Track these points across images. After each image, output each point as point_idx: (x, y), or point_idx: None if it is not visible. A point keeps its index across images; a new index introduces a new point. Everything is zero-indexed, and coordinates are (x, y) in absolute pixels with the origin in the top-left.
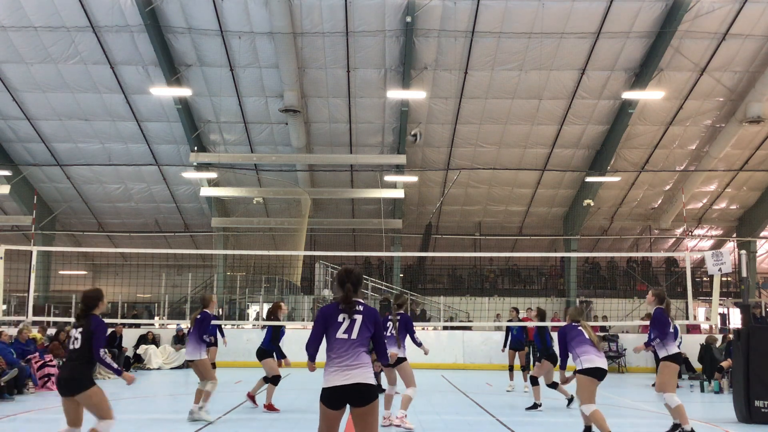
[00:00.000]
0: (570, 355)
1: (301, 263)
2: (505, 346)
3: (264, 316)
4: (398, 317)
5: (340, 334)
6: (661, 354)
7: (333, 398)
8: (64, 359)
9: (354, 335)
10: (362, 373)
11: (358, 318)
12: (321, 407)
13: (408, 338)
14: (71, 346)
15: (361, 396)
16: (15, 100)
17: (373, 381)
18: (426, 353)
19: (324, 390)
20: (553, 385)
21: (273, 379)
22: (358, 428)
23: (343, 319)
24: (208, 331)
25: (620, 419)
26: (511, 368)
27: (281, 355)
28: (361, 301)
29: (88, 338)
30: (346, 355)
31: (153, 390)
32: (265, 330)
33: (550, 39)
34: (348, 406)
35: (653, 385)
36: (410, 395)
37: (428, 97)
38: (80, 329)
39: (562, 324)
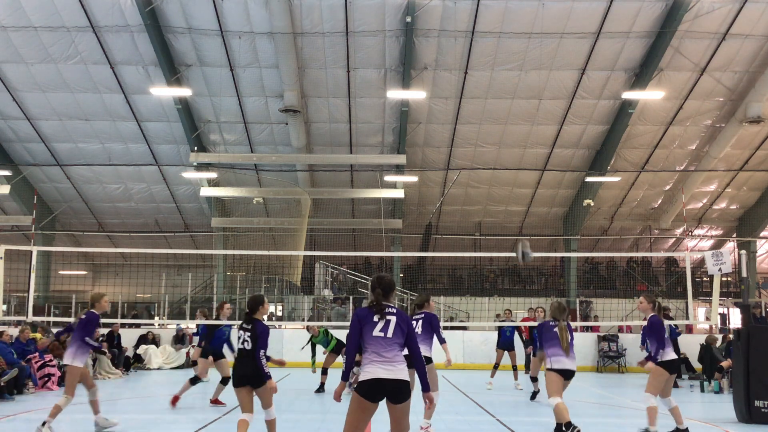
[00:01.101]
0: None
1: (301, 263)
2: (498, 345)
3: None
4: (422, 315)
5: (376, 332)
6: (657, 359)
7: (374, 390)
8: (235, 357)
9: (389, 334)
10: (403, 370)
11: (392, 319)
12: (357, 400)
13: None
14: (241, 346)
15: (400, 393)
16: (15, 100)
17: (408, 379)
18: (448, 363)
19: (363, 383)
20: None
21: (195, 377)
22: (394, 427)
23: (378, 319)
24: (91, 335)
25: (620, 419)
26: (496, 366)
27: (211, 355)
28: (392, 305)
29: (257, 340)
30: (385, 351)
31: (153, 390)
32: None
33: (550, 39)
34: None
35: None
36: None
37: (428, 97)
38: (248, 333)
39: None
